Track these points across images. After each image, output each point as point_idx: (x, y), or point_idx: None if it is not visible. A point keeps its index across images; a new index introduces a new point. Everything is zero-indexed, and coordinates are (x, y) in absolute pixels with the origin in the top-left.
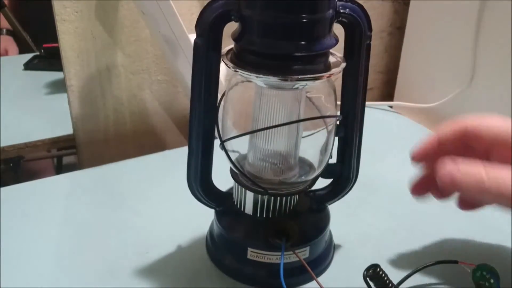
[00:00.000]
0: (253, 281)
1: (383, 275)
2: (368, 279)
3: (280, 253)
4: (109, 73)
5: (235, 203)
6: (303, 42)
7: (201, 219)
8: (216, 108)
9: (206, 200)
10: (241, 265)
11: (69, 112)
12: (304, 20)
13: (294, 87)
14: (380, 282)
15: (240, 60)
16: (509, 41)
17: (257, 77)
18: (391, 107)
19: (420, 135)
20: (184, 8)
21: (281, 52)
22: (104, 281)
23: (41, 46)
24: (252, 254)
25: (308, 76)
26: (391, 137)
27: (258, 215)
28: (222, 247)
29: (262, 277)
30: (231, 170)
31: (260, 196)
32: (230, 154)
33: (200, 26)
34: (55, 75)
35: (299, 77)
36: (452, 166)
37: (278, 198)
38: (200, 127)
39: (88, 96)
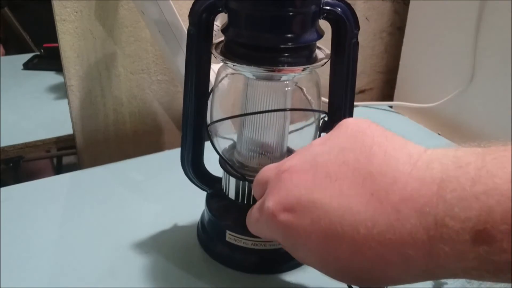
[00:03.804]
0: (229, 263)
1: None
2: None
3: (255, 239)
4: (109, 73)
5: (222, 187)
6: (285, 35)
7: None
8: (207, 95)
9: (198, 182)
10: (221, 247)
11: (69, 112)
12: (285, 14)
13: (281, 79)
14: None
15: (228, 51)
16: (509, 41)
17: (233, 65)
18: (391, 107)
19: (420, 135)
20: (184, 8)
21: (261, 44)
22: (104, 281)
23: (41, 46)
24: (230, 236)
25: (285, 68)
26: None
27: (239, 201)
28: (208, 230)
29: (236, 259)
30: (220, 156)
31: (241, 182)
32: (222, 140)
33: (192, 16)
34: (55, 75)
35: (274, 68)
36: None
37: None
38: (192, 112)
39: (88, 96)
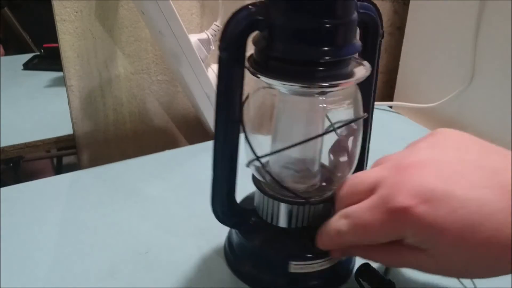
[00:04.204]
0: None
1: (374, 272)
2: (360, 279)
3: (321, 260)
4: (109, 73)
5: (264, 217)
6: (333, 48)
7: (201, 218)
8: (240, 123)
9: (231, 222)
10: (283, 279)
11: (69, 112)
12: (335, 24)
13: (318, 93)
14: (372, 280)
15: (263, 67)
16: (509, 41)
17: (282, 84)
18: (391, 107)
19: (420, 135)
20: (184, 8)
21: (311, 58)
22: (104, 281)
23: (41, 46)
24: (295, 267)
25: (338, 82)
26: (391, 137)
27: (294, 226)
28: (260, 266)
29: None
30: (256, 183)
31: (295, 207)
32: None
33: (225, 39)
34: (55, 75)
35: (328, 84)
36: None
37: (311, 206)
38: (226, 146)
39: (88, 96)
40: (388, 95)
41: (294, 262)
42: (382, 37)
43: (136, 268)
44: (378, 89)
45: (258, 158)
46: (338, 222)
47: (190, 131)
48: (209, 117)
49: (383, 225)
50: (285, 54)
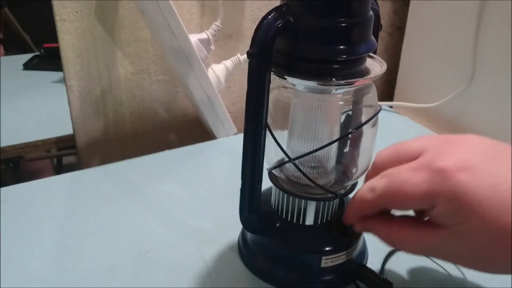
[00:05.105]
0: (328, 284)
1: (371, 274)
2: (357, 280)
3: (347, 250)
4: (109, 73)
5: (289, 219)
6: (352, 45)
7: (201, 217)
8: (267, 126)
9: (257, 228)
10: (314, 276)
11: (69, 112)
12: (363, 21)
13: (333, 92)
14: (369, 281)
15: (286, 68)
16: (509, 41)
17: (306, 83)
18: (391, 107)
19: (420, 135)
20: (184, 8)
21: (332, 57)
22: (104, 281)
23: (41, 46)
24: (326, 261)
25: (355, 79)
26: (391, 137)
27: (320, 223)
28: (291, 269)
29: (338, 277)
30: (279, 185)
31: (322, 203)
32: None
33: (257, 44)
34: (55, 75)
35: (348, 81)
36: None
37: (335, 201)
38: (255, 152)
39: (88, 96)
40: (388, 95)
41: (325, 257)
42: (381, 28)
43: (135, 268)
44: (378, 89)
45: (292, 160)
46: (376, 180)
47: (190, 131)
48: (209, 117)
49: (421, 185)
50: (313, 54)
